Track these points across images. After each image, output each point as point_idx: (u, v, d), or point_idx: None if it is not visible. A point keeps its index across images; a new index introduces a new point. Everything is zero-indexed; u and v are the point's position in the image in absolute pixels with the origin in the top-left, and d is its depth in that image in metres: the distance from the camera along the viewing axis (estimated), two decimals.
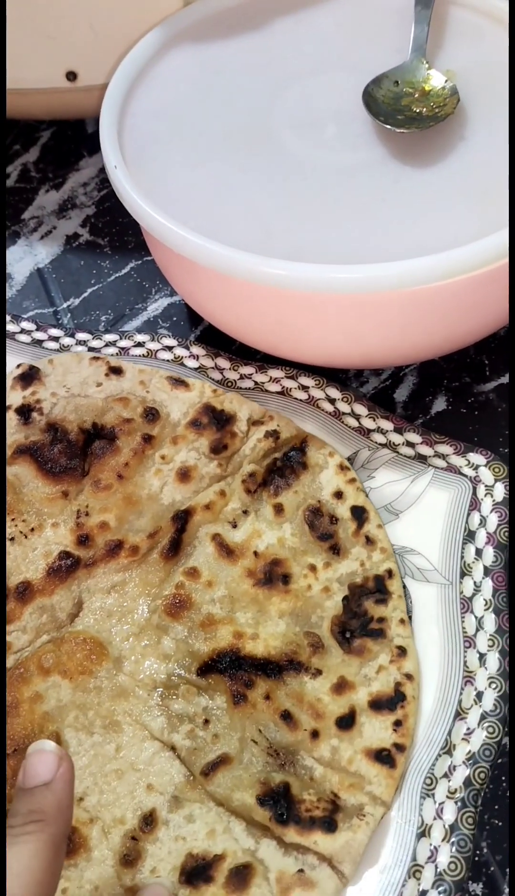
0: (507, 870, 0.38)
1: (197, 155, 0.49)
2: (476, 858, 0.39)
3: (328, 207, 0.47)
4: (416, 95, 0.51)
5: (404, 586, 0.44)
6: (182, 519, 0.46)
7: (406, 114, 0.50)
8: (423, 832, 0.37)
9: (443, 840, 0.37)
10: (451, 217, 0.45)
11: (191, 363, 0.52)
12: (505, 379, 0.53)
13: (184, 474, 0.47)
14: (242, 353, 0.52)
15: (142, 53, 0.53)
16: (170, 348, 0.52)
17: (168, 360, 0.52)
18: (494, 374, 0.53)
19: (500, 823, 0.39)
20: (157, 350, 0.52)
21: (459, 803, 0.37)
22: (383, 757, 0.39)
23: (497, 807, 0.40)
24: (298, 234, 0.45)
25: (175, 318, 0.57)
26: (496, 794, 0.40)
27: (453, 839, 0.37)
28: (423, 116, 0.49)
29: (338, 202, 0.47)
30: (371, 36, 0.54)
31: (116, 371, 0.50)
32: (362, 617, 0.43)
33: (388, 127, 0.48)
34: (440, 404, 0.52)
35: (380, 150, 0.49)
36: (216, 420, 0.48)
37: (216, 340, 0.53)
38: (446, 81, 0.51)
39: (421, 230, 0.45)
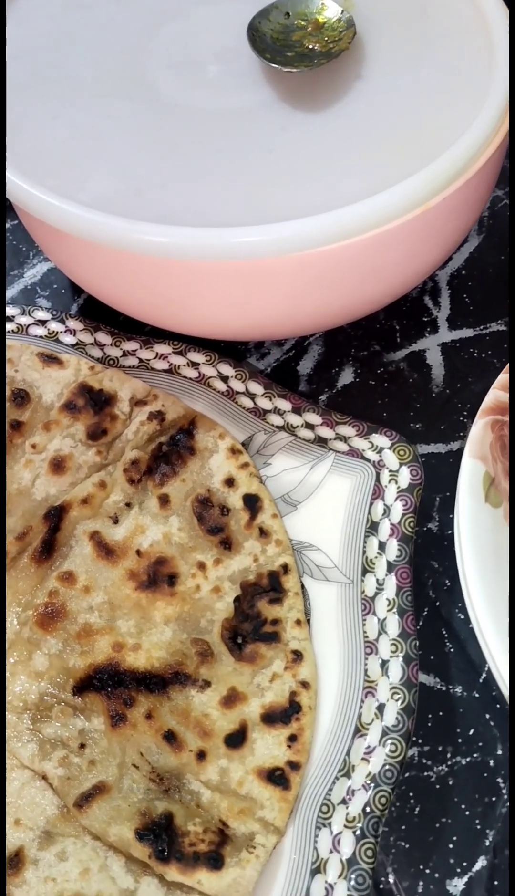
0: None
1: (60, 102, 0.43)
2: (381, 886, 0.35)
3: (208, 160, 0.41)
4: (309, 29, 0.45)
5: (302, 585, 0.40)
6: (55, 516, 0.41)
7: (296, 50, 0.44)
8: (318, 867, 0.34)
9: (340, 877, 0.33)
10: (346, 169, 0.40)
11: (68, 339, 0.46)
12: (417, 346, 0.48)
13: (58, 465, 0.42)
14: (128, 326, 0.47)
15: None
16: (43, 322, 0.47)
17: (41, 337, 0.46)
18: (405, 340, 0.49)
19: (407, 846, 0.36)
20: (29, 325, 0.47)
21: (358, 833, 0.34)
22: (276, 777, 0.35)
23: (403, 827, 0.36)
24: (174, 192, 0.40)
25: (55, 286, 0.52)
26: (403, 814, 0.37)
27: (350, 875, 0.33)
28: (316, 52, 0.44)
29: (220, 154, 0.41)
30: None
31: None
32: (255, 619, 0.39)
33: (275, 66, 0.43)
34: (347, 376, 0.48)
35: (268, 91, 0.43)
36: (93, 401, 0.43)
37: (100, 311, 0.48)
38: (342, 12, 0.45)
39: (313, 185, 0.40)
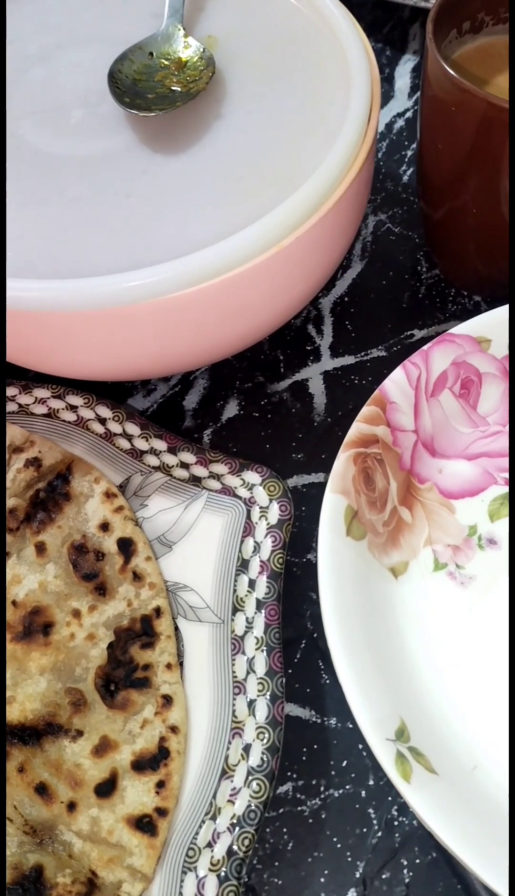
0: None
1: None
2: None
3: (66, 208, 0.41)
4: (173, 68, 0.45)
5: (176, 627, 0.40)
6: None
7: (158, 91, 0.44)
8: None
9: None
10: (202, 212, 0.41)
11: None
12: (300, 375, 0.49)
13: None
14: (12, 370, 0.47)
15: None
16: None
17: None
18: (289, 370, 0.49)
19: (280, 882, 0.36)
20: None
21: (222, 875, 0.34)
22: (144, 824, 0.36)
23: (276, 864, 0.37)
24: (31, 244, 0.40)
25: None
26: (276, 850, 0.37)
27: None
28: (177, 94, 0.44)
29: (79, 201, 0.42)
30: (125, 1, 0.49)
31: None
32: (127, 665, 0.39)
33: (133, 111, 0.43)
34: (232, 409, 0.48)
35: (130, 135, 0.44)
36: None
37: None
38: (203, 51, 0.45)
39: (170, 229, 0.40)
